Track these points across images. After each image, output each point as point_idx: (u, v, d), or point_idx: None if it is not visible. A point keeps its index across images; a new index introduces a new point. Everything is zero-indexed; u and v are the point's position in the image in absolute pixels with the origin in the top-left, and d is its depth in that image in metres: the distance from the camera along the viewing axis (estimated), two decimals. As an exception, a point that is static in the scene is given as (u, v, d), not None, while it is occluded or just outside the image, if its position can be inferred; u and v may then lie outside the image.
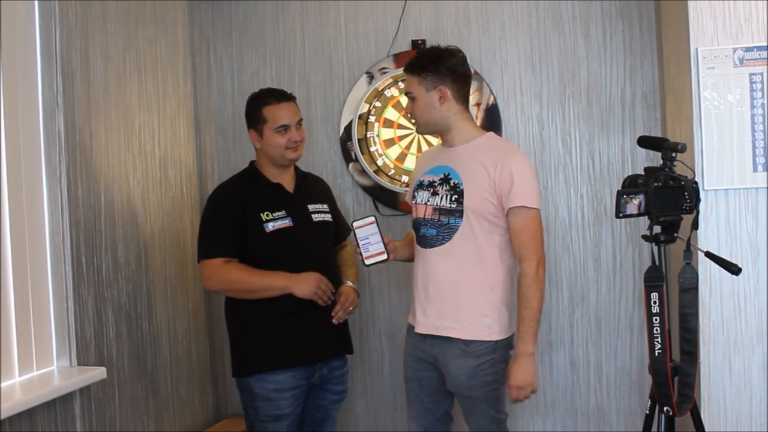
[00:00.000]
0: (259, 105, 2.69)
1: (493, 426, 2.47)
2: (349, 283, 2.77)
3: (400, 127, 3.34)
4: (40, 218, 2.44)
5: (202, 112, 3.50)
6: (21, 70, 2.39)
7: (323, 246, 2.75)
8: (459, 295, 2.41)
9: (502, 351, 2.44)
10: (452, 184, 2.42)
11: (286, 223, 2.65)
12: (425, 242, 2.47)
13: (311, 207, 2.74)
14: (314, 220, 2.73)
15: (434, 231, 2.44)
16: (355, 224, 2.44)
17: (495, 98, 3.25)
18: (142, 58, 3.00)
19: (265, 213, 2.64)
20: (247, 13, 3.55)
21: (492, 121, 3.24)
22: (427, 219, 2.46)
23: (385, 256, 2.45)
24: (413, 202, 2.55)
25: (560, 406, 3.26)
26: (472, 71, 3.22)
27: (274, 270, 2.61)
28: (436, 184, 2.47)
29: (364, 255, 2.43)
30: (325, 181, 3.04)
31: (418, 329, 2.48)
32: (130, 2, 2.92)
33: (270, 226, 2.63)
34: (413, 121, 2.55)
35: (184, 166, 3.31)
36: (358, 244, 2.45)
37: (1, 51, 2.28)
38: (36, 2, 2.44)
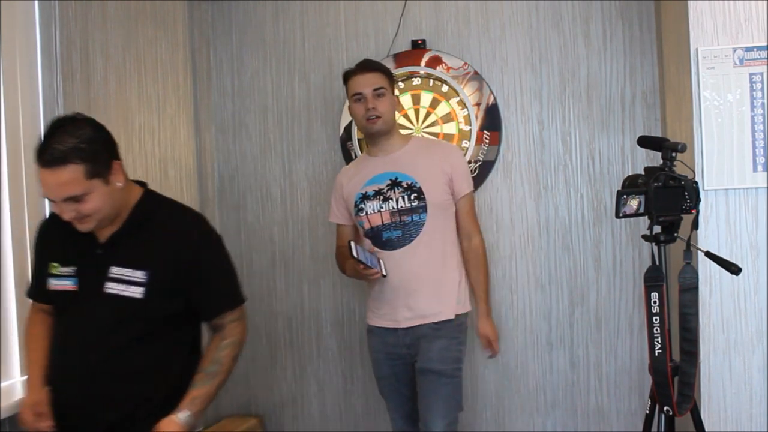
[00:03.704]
0: None
1: (449, 403, 2.56)
2: (179, 417, 1.84)
3: (401, 127, 3.34)
4: (40, 218, 2.43)
5: (202, 112, 3.50)
6: (21, 70, 2.39)
7: (106, 330, 1.87)
8: (438, 281, 2.61)
9: (463, 328, 2.66)
10: (406, 185, 2.61)
11: (68, 285, 1.91)
12: (391, 245, 2.61)
13: (115, 271, 1.88)
14: (105, 290, 1.87)
15: (399, 232, 2.60)
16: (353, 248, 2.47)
17: (495, 98, 3.25)
18: (142, 58, 3.00)
19: (56, 264, 1.94)
20: (247, 13, 3.55)
21: (492, 121, 3.24)
22: (387, 224, 2.62)
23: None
24: (362, 214, 2.66)
25: (560, 406, 3.26)
26: (472, 71, 3.25)
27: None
28: (384, 190, 2.62)
29: (381, 271, 2.53)
30: (195, 230, 1.97)
31: (406, 324, 2.61)
32: (130, 2, 2.92)
33: (53, 283, 1.94)
34: (372, 117, 2.60)
35: (184, 166, 3.31)
36: (367, 265, 2.49)
37: (1, 51, 2.28)
38: (36, 2, 2.44)
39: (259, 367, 3.58)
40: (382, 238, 2.62)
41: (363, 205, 2.66)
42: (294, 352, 3.54)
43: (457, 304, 2.63)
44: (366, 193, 2.66)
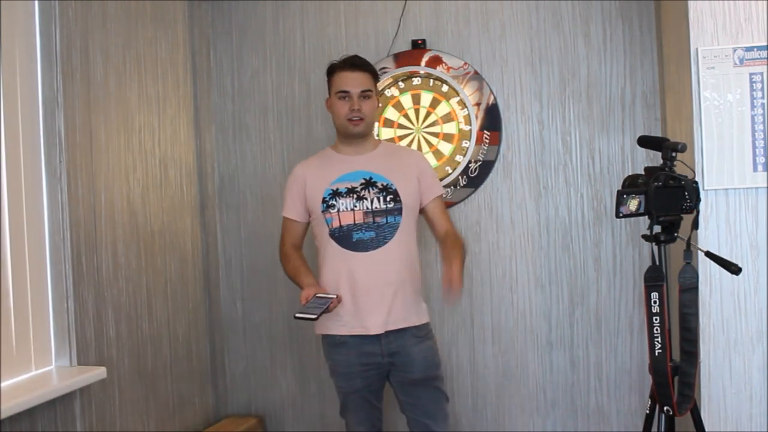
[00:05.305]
0: None
1: (444, 402, 2.61)
2: None
3: (401, 126, 3.34)
4: (40, 218, 2.44)
5: (202, 112, 3.51)
6: (21, 70, 2.39)
7: None
8: (410, 286, 2.56)
9: (432, 332, 2.64)
10: (381, 186, 2.55)
11: None
12: (362, 246, 2.52)
13: None
14: None
15: (372, 233, 2.52)
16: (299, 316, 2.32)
17: (495, 98, 3.26)
18: (142, 58, 3.00)
19: None
20: (247, 13, 3.55)
21: (492, 121, 3.25)
22: (359, 224, 2.53)
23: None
24: (332, 211, 2.53)
25: (560, 406, 3.26)
26: (472, 71, 3.25)
27: None
28: (357, 189, 2.55)
29: (334, 298, 2.40)
30: None
31: (376, 330, 2.50)
32: (130, 2, 2.92)
33: None
34: (356, 119, 2.53)
35: (184, 166, 3.31)
36: (325, 309, 2.34)
37: (1, 51, 2.28)
38: (36, 2, 2.45)
39: (259, 367, 3.58)
40: (351, 239, 2.52)
41: (334, 202, 2.54)
42: (294, 352, 3.54)
43: (425, 312, 2.61)
44: (337, 189, 2.55)
